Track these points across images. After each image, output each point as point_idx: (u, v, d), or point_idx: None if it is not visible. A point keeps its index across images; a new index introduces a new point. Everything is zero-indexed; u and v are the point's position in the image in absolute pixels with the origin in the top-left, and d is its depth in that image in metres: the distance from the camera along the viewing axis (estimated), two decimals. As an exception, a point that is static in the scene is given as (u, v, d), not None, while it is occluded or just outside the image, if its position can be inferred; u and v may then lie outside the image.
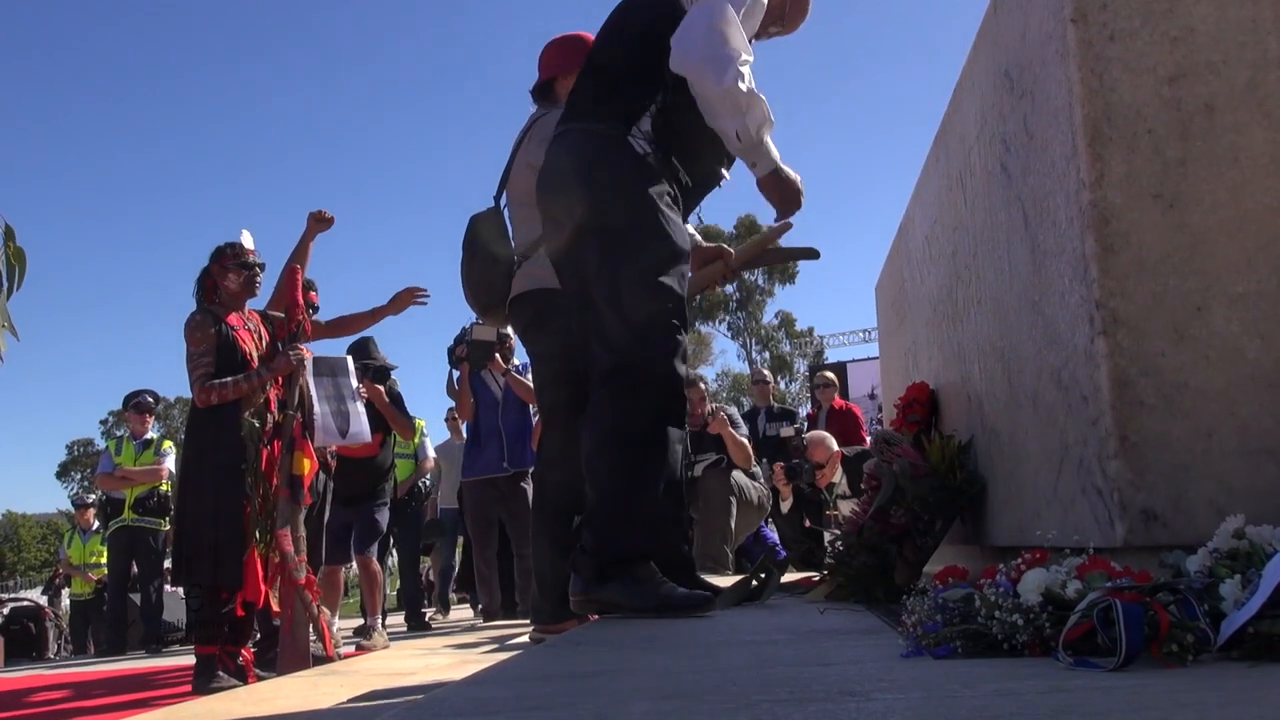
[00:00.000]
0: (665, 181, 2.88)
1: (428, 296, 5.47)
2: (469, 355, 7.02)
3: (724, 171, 3.13)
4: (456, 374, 7.43)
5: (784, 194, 2.93)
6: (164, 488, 9.32)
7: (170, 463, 9.42)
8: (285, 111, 75.07)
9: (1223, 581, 1.45)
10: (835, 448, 7.12)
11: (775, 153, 2.87)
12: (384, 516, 6.95)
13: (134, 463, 9.27)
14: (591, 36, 3.79)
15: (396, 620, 9.52)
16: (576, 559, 2.81)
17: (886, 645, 1.87)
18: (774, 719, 1.15)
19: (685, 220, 3.06)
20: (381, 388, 6.83)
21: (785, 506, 7.18)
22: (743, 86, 2.74)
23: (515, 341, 6.96)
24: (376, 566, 6.96)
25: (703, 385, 7.55)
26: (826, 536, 6.32)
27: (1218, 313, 1.85)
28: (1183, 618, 1.39)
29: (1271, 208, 1.86)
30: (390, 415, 6.87)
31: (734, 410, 7.38)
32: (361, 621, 7.20)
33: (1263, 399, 1.82)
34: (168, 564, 9.39)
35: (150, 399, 9.58)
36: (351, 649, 6.15)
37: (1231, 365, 1.83)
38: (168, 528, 9.26)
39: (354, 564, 7.12)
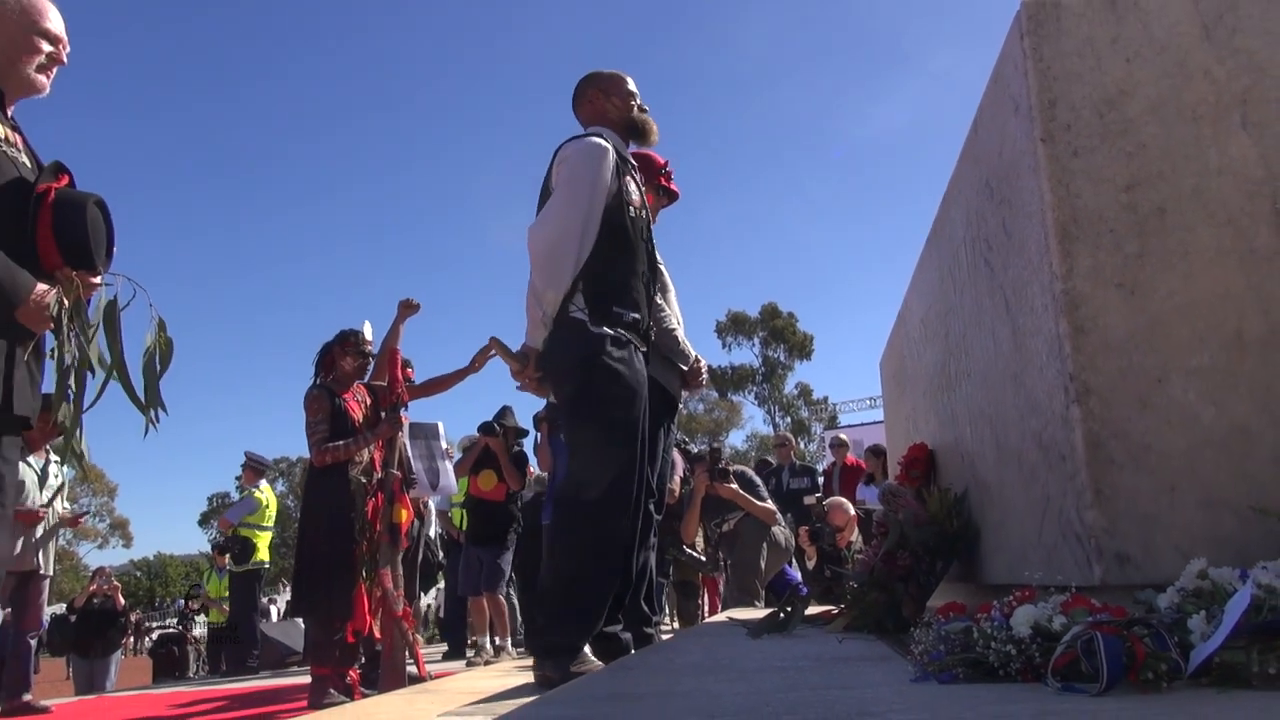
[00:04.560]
0: (608, 329, 2.94)
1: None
2: (548, 415, 7.11)
3: (660, 301, 3.34)
4: (537, 435, 7.52)
5: (516, 359, 3.06)
6: (242, 533, 9.39)
7: (231, 513, 9.64)
8: (396, 189, 73.89)
9: (1190, 617, 1.40)
10: (853, 512, 7.00)
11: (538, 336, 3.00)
12: (507, 561, 7.09)
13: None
14: (655, 157, 3.88)
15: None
16: (535, 634, 2.97)
17: (897, 671, 1.83)
18: (803, 736, 1.12)
19: (648, 343, 3.17)
20: (501, 443, 7.11)
21: (810, 564, 7.08)
22: (554, 295, 2.91)
23: None
24: (501, 600, 7.09)
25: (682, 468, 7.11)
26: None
27: (1176, 384, 1.82)
28: (1156, 649, 1.35)
29: (1218, 294, 1.84)
30: (507, 469, 7.00)
31: (748, 471, 7.09)
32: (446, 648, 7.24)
33: (1218, 458, 1.78)
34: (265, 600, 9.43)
35: (250, 459, 9.77)
36: (442, 670, 6.10)
37: (1190, 429, 1.80)
38: (231, 569, 9.51)
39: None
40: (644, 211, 3.19)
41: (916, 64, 61.94)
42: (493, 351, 5.51)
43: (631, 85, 3.29)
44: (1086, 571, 1.81)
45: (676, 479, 6.58)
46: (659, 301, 3.51)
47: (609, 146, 3.07)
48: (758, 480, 6.82)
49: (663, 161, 3.95)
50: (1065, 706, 1.25)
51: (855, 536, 6.82)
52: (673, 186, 3.98)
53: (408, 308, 5.23)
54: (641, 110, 3.27)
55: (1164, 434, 1.80)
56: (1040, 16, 2.02)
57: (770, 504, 6.58)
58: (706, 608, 7.92)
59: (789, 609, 3.12)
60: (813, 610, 3.55)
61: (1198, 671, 1.33)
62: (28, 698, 5.87)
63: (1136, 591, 1.64)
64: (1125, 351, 1.84)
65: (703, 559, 6.67)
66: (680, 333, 3.82)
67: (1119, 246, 1.89)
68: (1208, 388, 1.81)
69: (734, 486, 6.19)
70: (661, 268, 3.57)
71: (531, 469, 7.87)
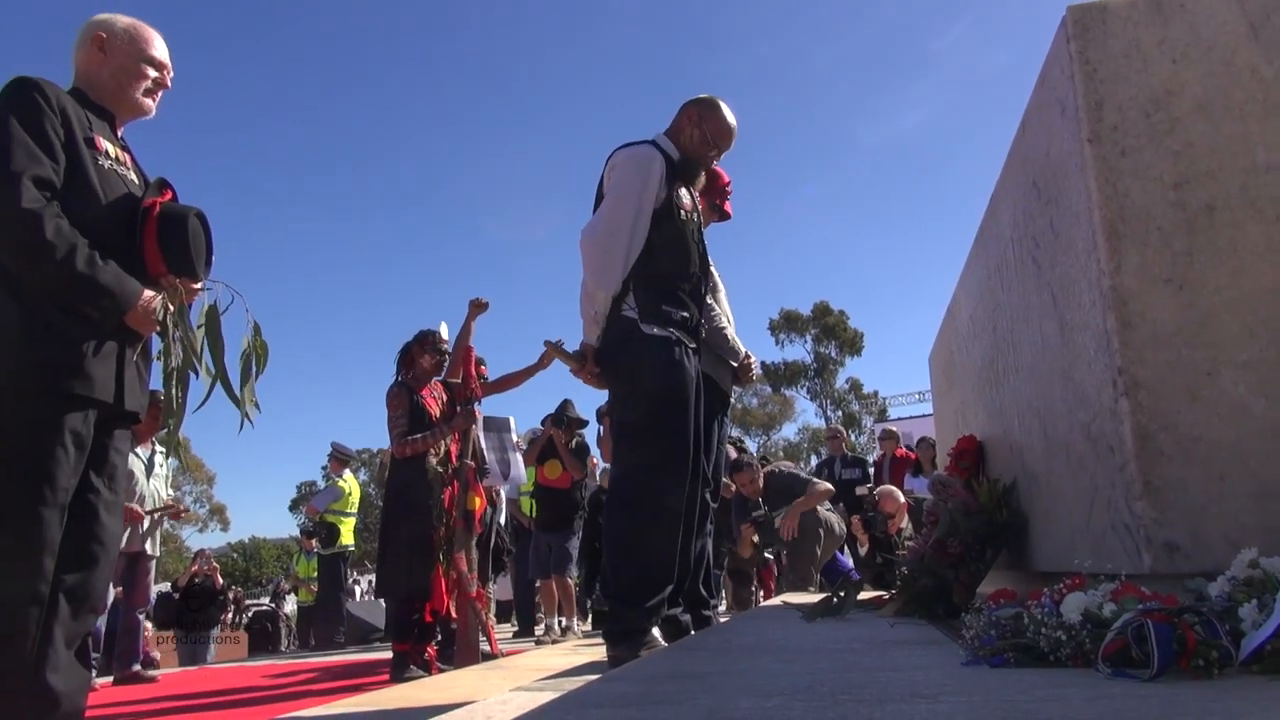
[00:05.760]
0: (657, 326, 2.94)
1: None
2: (610, 410, 7.14)
3: (711, 301, 3.28)
4: (600, 427, 7.55)
5: (574, 358, 3.11)
6: (328, 519, 9.56)
7: (317, 501, 9.79)
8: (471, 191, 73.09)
9: (1242, 605, 1.36)
10: (903, 500, 6.92)
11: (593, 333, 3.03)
12: (574, 545, 7.14)
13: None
14: (722, 174, 3.86)
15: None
16: (605, 619, 2.96)
17: (948, 654, 1.80)
18: (858, 717, 1.11)
19: (698, 339, 3.14)
20: (563, 434, 7.12)
21: (863, 551, 7.03)
22: (604, 294, 2.92)
23: None
24: (569, 583, 7.15)
25: (753, 467, 6.82)
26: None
27: (1226, 377, 1.76)
28: (1207, 636, 1.31)
29: (1267, 289, 1.77)
30: (565, 458, 7.05)
31: (787, 469, 7.05)
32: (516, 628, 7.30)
33: (1269, 449, 1.71)
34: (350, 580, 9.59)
35: (336, 450, 9.96)
36: (512, 648, 6.17)
37: (1240, 421, 1.73)
38: (318, 552, 9.59)
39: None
40: (695, 214, 3.17)
41: (958, 65, 60.53)
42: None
43: (724, 134, 3.19)
44: (1136, 560, 1.76)
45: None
46: (710, 301, 3.50)
47: (657, 153, 3.04)
48: (797, 470, 6.81)
49: (727, 180, 3.93)
50: (1116, 690, 1.21)
51: (905, 524, 6.72)
52: (727, 207, 3.95)
53: (477, 306, 5.30)
54: (709, 159, 3.23)
55: (1214, 426, 1.74)
56: (1086, 21, 1.97)
57: (820, 483, 6.56)
58: (760, 594, 7.89)
59: (842, 594, 3.10)
60: (865, 595, 3.51)
61: (1249, 659, 1.28)
62: (137, 667, 6.10)
63: (1186, 580, 1.59)
64: (1174, 345, 1.79)
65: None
66: (730, 331, 3.81)
67: (1167, 244, 1.83)
68: (1258, 380, 1.74)
69: (790, 514, 6.21)
70: (713, 269, 3.56)
71: (594, 459, 7.91)
